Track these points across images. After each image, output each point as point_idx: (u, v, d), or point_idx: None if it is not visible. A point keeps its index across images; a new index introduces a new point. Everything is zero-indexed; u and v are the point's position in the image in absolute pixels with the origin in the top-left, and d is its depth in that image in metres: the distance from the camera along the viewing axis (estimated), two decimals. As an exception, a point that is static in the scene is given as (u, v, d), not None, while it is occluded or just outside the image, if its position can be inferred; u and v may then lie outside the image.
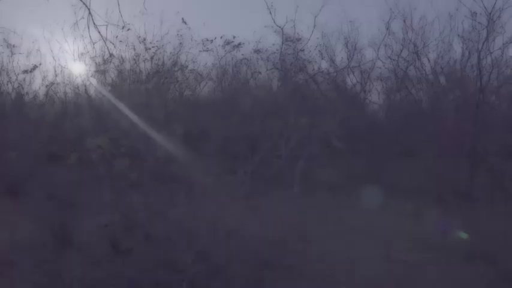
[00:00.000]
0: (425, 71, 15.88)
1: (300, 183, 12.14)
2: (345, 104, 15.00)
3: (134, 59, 15.79)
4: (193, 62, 16.97)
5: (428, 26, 15.76)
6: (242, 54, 17.19)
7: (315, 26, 15.10)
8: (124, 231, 7.74)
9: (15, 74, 15.27)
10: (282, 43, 15.07)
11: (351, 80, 17.13)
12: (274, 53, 15.74)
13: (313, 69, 15.98)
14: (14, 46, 15.02)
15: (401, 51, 16.23)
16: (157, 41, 15.91)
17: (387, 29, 16.18)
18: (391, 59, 16.44)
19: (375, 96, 17.34)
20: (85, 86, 15.95)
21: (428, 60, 15.86)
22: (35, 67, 15.04)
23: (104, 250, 7.22)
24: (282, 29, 14.80)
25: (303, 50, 15.29)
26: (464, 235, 8.39)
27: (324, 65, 16.79)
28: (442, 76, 15.68)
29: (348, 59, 16.71)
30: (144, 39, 15.52)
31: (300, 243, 7.73)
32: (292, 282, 6.21)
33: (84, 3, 5.64)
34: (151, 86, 14.02)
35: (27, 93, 15.62)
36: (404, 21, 15.92)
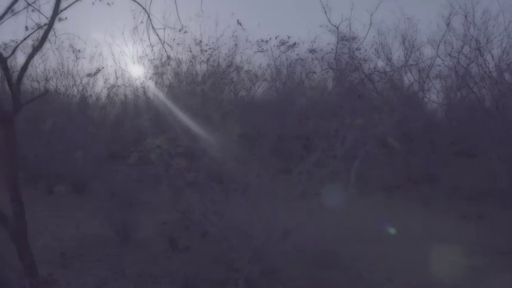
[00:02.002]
0: (488, 68, 15.16)
1: (356, 183, 11.93)
2: (402, 103, 14.61)
3: (191, 61, 16.18)
4: (248, 62, 17.18)
5: (492, 21, 15.05)
6: (297, 54, 17.24)
7: (371, 24, 14.79)
8: (181, 230, 7.96)
9: (79, 77, 16.01)
10: (337, 42, 14.90)
11: (409, 78, 16.70)
12: (329, 52, 15.62)
13: (369, 68, 15.71)
14: (79, 51, 15.74)
15: (462, 47, 15.58)
16: (212, 42, 16.26)
17: (447, 25, 15.59)
18: (451, 56, 15.83)
19: (434, 95, 16.80)
20: (144, 88, 16.52)
21: (492, 56, 15.13)
22: (98, 70, 15.74)
23: (162, 247, 7.45)
24: (337, 28, 14.61)
25: (358, 49, 15.08)
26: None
27: (380, 63, 16.46)
28: (507, 73, 14.92)
29: (405, 57, 16.28)
30: (200, 41, 15.88)
31: (356, 245, 7.62)
32: (349, 285, 6.14)
33: (143, 8, 5.84)
34: (207, 87, 14.28)
35: (90, 95, 16.34)
36: (465, 16, 15.25)
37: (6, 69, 5.22)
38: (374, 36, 16.51)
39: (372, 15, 14.71)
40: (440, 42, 15.67)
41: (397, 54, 16.64)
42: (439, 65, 15.95)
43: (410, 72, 16.34)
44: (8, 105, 5.53)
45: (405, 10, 17.21)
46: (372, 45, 16.00)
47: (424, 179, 12.90)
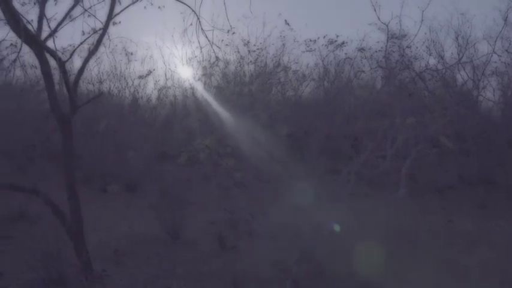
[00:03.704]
0: (549, 64, 14.42)
1: (406, 184, 11.63)
2: (456, 102, 14.12)
3: (238, 62, 16.31)
4: (296, 62, 17.11)
5: (555, 13, 14.25)
6: (345, 53, 16.99)
7: (422, 20, 14.38)
8: (230, 229, 8.04)
9: (131, 79, 16.48)
10: (387, 40, 14.57)
11: (462, 76, 16.11)
12: (379, 50, 15.31)
13: (420, 67, 15.26)
14: (131, 54, 16.19)
15: (521, 43, 14.89)
16: (260, 43, 16.30)
17: (505, 19, 14.91)
18: (508, 52, 15.15)
19: (490, 93, 16.11)
20: (193, 89, 16.79)
21: (554, 52, 14.37)
22: (149, 72, 16.15)
23: (211, 246, 7.55)
24: (387, 25, 14.29)
25: (409, 47, 14.69)
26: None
27: (432, 61, 15.97)
28: None
29: (459, 54, 15.72)
30: (248, 42, 15.98)
31: (406, 246, 7.44)
32: (398, 288, 6.00)
33: (193, 10, 5.93)
34: (254, 88, 14.35)
35: (141, 97, 16.77)
36: (525, 8, 14.56)
37: (64, 72, 5.46)
38: (425, 33, 15.98)
39: (423, 11, 14.26)
40: (497, 38, 14.99)
41: (450, 51, 16.16)
42: (495, 62, 15.26)
43: (464, 69, 15.76)
44: (66, 106, 5.79)
45: (458, 5, 16.57)
46: (423, 42, 15.54)
47: (478, 180, 12.41)
